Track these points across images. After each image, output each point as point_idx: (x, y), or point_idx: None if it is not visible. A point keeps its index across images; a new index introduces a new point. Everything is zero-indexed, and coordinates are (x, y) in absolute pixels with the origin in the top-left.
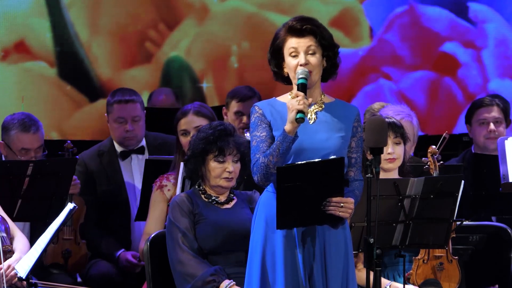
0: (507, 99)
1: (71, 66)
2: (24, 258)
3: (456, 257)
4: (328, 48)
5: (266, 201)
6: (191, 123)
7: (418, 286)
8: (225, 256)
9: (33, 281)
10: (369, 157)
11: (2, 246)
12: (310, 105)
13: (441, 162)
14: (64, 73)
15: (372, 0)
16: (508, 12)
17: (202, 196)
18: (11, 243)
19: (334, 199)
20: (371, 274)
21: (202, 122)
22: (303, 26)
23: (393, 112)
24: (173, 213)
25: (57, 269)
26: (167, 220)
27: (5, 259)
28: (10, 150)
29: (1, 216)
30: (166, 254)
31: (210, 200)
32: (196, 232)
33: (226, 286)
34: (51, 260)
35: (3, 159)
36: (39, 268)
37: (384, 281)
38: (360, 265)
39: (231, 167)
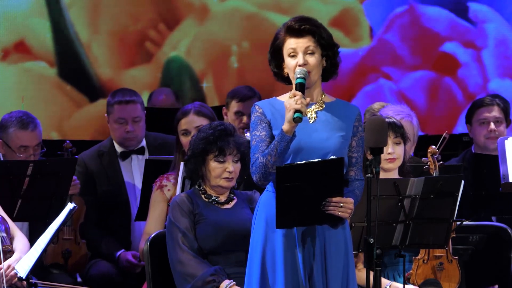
0: (507, 99)
1: (71, 66)
2: (24, 258)
3: (456, 257)
4: (327, 48)
5: (266, 200)
6: (192, 123)
7: (418, 286)
8: (225, 256)
9: (33, 281)
10: (369, 157)
11: (2, 246)
12: (308, 105)
13: (441, 162)
14: (64, 73)
15: (372, 0)
16: (508, 12)
17: (202, 196)
18: (11, 243)
19: (334, 199)
20: (371, 274)
21: (202, 122)
22: (301, 26)
23: (393, 112)
24: (173, 213)
25: (57, 269)
26: (167, 220)
27: (5, 259)
28: (9, 148)
29: (1, 216)
30: (166, 254)
31: (210, 200)
32: (196, 232)
33: (226, 286)
34: (51, 260)
35: (1, 157)
36: (39, 268)
37: (384, 281)
38: (360, 265)
39: (231, 167)
